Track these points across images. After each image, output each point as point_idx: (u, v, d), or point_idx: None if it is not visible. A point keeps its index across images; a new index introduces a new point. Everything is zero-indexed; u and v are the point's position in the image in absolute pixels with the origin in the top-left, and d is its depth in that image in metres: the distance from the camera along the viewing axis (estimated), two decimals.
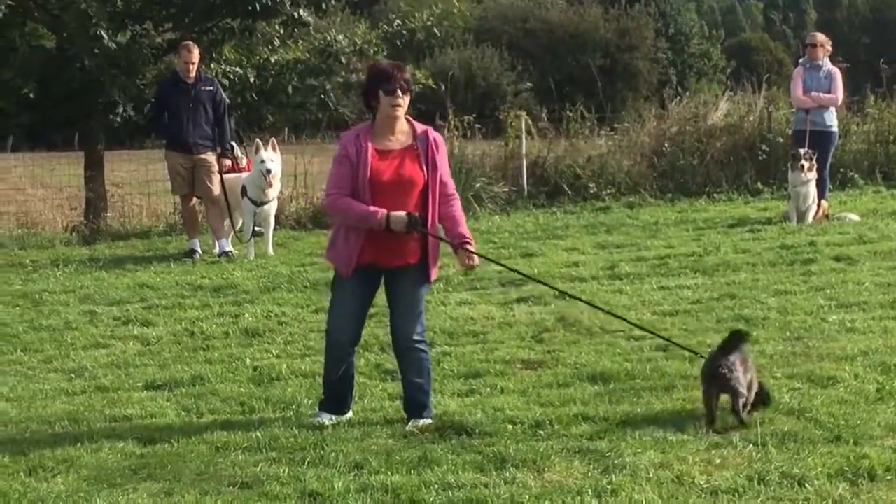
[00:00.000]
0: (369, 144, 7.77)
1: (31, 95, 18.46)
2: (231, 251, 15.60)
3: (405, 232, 7.68)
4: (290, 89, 19.72)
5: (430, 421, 7.87)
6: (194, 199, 16.14)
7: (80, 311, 12.33)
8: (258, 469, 7.04)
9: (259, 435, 7.68)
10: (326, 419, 7.96)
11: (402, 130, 7.90)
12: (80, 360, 10.16)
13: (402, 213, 7.65)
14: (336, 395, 8.10)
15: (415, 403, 7.98)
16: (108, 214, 19.24)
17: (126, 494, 6.64)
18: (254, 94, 19.79)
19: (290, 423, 7.95)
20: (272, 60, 20.08)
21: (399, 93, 7.76)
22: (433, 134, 7.92)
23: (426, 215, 7.82)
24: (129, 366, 9.92)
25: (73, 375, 9.66)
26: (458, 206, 7.99)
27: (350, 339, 8.06)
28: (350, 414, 8.13)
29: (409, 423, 7.84)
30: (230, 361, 9.89)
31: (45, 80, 18.45)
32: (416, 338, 7.96)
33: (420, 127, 7.92)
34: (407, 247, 7.82)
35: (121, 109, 18.83)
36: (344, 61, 20.08)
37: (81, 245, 17.61)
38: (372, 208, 7.66)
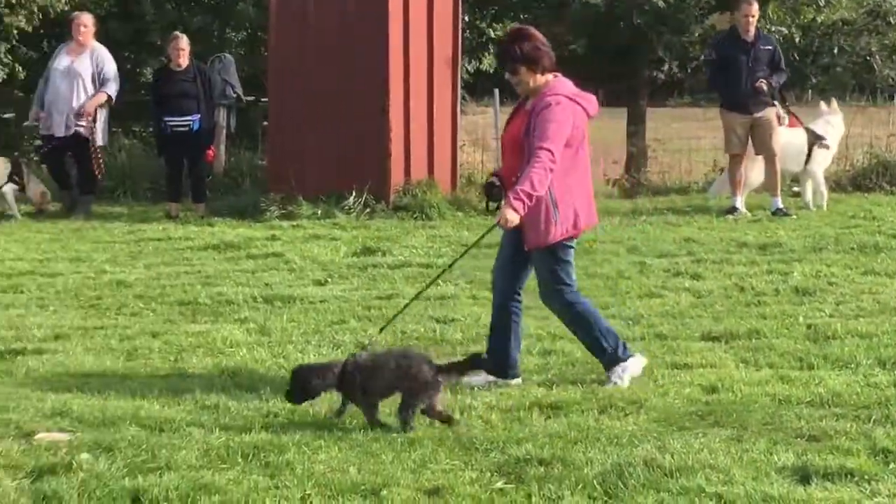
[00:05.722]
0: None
1: (580, 51, 19.16)
2: (784, 208, 15.69)
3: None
4: (835, 50, 19.44)
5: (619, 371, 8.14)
6: (744, 159, 16.22)
7: (630, 261, 12.74)
8: (823, 423, 7.09)
9: (821, 391, 7.75)
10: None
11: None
12: (636, 308, 10.51)
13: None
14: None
15: None
16: (647, 169, 19.72)
17: (697, 438, 6.86)
18: (796, 55, 19.65)
19: (851, 382, 7.98)
20: (818, 20, 19.84)
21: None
22: (545, 101, 7.86)
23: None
24: (684, 316, 10.19)
25: (630, 322, 10.02)
26: (531, 163, 7.78)
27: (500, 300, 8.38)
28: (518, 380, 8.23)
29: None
30: (783, 318, 9.96)
31: (595, 36, 19.06)
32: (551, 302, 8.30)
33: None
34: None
35: (666, 67, 19.21)
36: (893, 21, 19.55)
37: (623, 198, 18.14)
38: None
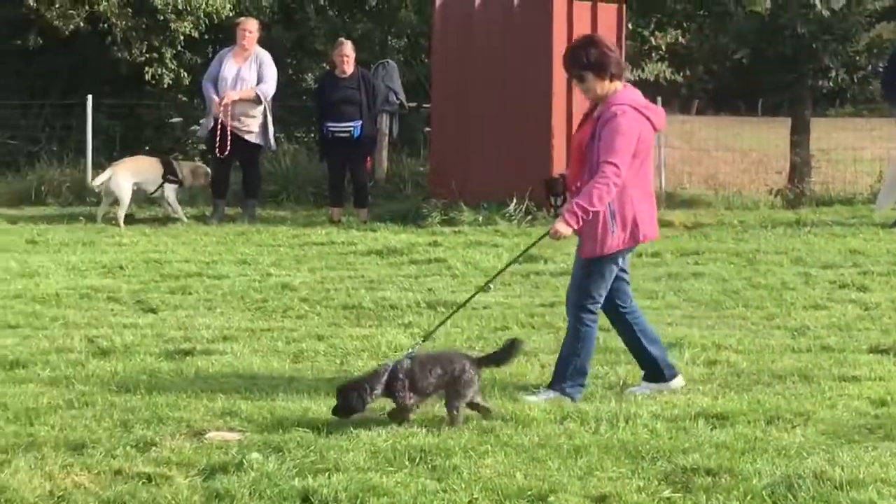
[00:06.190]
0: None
1: (744, 61, 19.01)
2: None
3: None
4: None
5: (552, 395, 7.89)
6: None
7: (794, 272, 12.61)
8: None
9: None
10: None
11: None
12: (802, 320, 10.38)
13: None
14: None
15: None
16: (811, 179, 19.47)
17: (867, 451, 6.75)
18: None
19: None
20: None
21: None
22: (611, 110, 7.77)
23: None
24: (851, 328, 10.03)
25: (795, 333, 9.90)
26: (596, 178, 7.67)
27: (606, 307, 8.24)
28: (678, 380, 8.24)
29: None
30: None
31: (759, 45, 18.89)
32: (571, 306, 8.07)
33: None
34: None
35: (833, 75, 18.95)
36: None
37: (785, 208, 17.94)
38: None
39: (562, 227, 7.72)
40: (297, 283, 12.11)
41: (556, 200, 8.20)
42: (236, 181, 17.60)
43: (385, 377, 7.31)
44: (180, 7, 20.77)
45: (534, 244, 8.49)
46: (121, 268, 13.02)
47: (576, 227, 7.71)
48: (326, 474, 6.32)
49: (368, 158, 17.55)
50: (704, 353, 9.14)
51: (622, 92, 7.93)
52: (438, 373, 7.34)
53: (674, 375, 8.23)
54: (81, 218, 16.84)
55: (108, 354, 9.15)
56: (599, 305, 8.06)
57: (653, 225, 8.07)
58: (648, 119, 7.89)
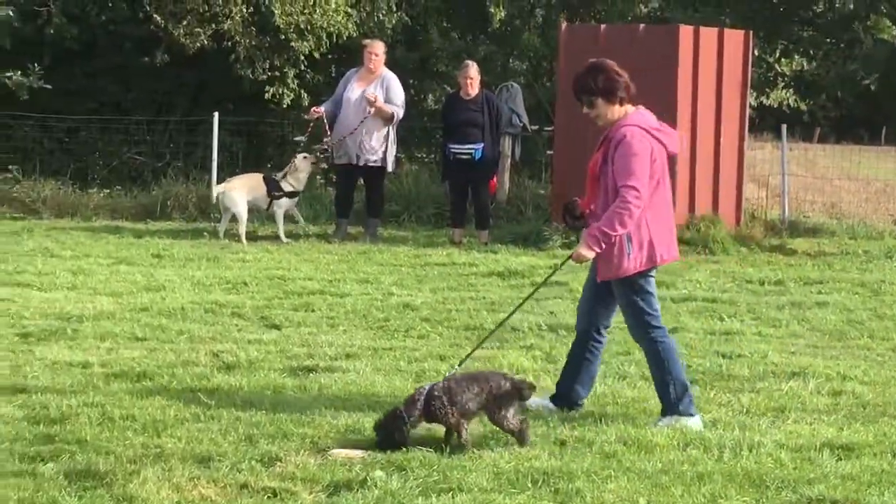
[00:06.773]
0: None
1: (872, 88, 18.79)
2: None
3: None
4: None
5: (671, 421, 7.80)
6: None
7: None
8: None
9: None
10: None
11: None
12: None
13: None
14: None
15: None
16: None
17: None
18: None
19: None
20: None
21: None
22: (620, 132, 7.77)
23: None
24: None
25: None
26: (617, 202, 7.65)
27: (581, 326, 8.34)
28: None
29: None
30: None
31: (887, 72, 18.68)
32: (637, 335, 8.08)
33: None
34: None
35: None
36: None
37: None
38: None
39: (584, 251, 7.79)
40: (419, 302, 12.17)
41: (575, 223, 8.20)
42: (360, 200, 17.72)
43: (421, 401, 7.34)
44: (302, 27, 20.95)
45: (556, 269, 8.44)
46: (244, 284, 13.18)
47: (598, 251, 7.76)
48: (450, 494, 6.36)
49: (494, 180, 17.59)
50: (829, 384, 9.04)
51: (633, 114, 7.95)
52: (476, 389, 7.35)
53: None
54: (205, 233, 17.07)
55: (232, 369, 9.28)
56: (660, 316, 8.07)
57: (671, 246, 8.02)
58: (660, 141, 7.89)
